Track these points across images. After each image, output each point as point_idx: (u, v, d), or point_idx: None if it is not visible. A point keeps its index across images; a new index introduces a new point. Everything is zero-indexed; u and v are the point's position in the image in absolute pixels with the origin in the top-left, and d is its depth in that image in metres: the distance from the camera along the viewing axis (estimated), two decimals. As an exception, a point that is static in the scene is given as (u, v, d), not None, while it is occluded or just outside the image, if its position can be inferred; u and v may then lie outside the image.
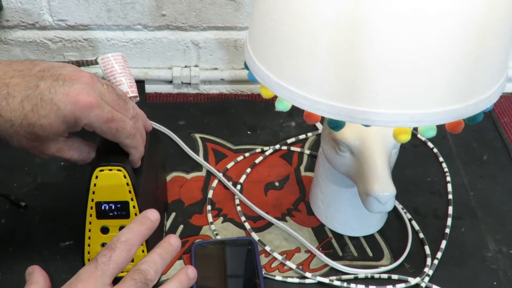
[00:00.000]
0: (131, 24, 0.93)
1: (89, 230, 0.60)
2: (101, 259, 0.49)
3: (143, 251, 0.60)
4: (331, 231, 0.73)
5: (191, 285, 0.54)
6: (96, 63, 0.66)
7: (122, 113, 0.56)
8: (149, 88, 0.97)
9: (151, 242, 0.58)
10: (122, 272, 0.51)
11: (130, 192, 0.58)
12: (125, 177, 0.58)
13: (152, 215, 0.54)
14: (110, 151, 0.59)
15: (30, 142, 0.54)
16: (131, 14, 0.91)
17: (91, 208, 0.59)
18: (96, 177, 0.58)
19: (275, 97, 0.57)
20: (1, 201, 0.74)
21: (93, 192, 0.59)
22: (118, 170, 0.58)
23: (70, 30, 0.93)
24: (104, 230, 0.60)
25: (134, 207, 0.59)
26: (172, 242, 0.54)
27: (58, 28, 0.93)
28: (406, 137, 0.54)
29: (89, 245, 0.60)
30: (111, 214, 0.59)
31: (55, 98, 0.52)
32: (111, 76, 0.65)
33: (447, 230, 0.73)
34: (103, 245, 0.60)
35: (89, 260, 0.59)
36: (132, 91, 0.65)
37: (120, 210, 0.59)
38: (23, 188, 0.76)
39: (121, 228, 0.55)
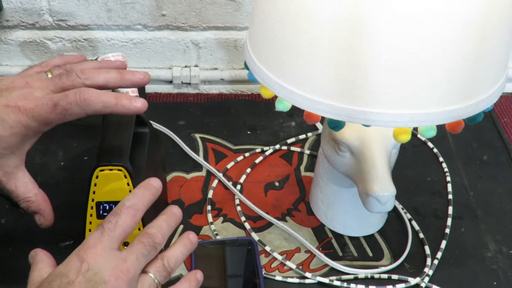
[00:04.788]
0: (131, 24, 0.93)
1: (89, 230, 0.60)
2: (107, 225, 0.49)
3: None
4: (331, 231, 0.73)
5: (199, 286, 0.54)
6: (96, 63, 0.66)
7: (71, 88, 0.55)
8: (149, 88, 0.97)
9: None
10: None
11: (130, 192, 0.58)
12: (125, 177, 0.58)
13: (155, 182, 0.53)
14: (110, 151, 0.59)
15: None
16: (131, 14, 0.91)
17: (91, 208, 0.59)
18: (97, 177, 0.58)
19: (275, 97, 0.57)
20: (1, 201, 0.74)
21: (94, 192, 0.59)
22: (119, 170, 0.58)
23: (70, 30, 0.93)
24: (104, 230, 0.60)
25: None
26: (175, 211, 0.53)
27: (58, 28, 0.93)
28: (406, 137, 0.54)
29: None
30: None
31: None
32: (111, 76, 0.65)
33: (447, 230, 0.73)
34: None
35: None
36: (132, 91, 0.65)
37: None
38: (23, 188, 0.76)
39: None
